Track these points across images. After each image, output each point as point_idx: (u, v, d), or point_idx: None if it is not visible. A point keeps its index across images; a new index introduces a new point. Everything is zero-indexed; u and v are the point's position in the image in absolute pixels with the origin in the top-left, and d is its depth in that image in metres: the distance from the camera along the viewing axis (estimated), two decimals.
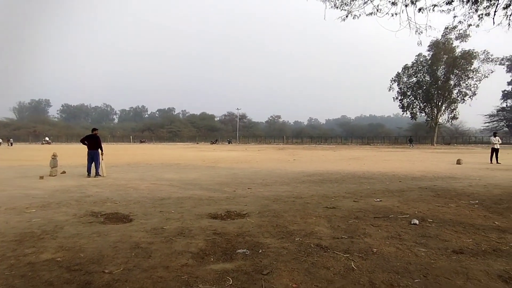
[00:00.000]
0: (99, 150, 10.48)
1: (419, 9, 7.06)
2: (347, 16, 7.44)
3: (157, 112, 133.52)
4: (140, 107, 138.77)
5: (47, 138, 59.15)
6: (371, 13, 7.32)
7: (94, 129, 10.91)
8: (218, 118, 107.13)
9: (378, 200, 6.18)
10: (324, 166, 14.36)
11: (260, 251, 3.29)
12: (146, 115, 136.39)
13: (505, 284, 2.56)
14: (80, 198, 6.39)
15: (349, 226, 4.30)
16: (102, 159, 10.54)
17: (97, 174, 10.18)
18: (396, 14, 7.16)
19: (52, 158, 10.43)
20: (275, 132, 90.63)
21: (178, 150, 34.85)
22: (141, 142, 72.40)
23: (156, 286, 2.52)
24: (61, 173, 10.73)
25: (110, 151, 27.79)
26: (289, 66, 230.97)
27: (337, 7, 7.35)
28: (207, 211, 5.24)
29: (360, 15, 7.41)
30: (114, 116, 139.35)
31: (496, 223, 4.49)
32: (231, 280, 2.62)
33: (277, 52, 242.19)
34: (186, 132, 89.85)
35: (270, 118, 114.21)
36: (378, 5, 7.19)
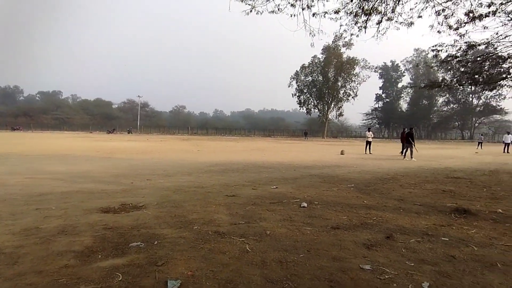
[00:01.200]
0: None
1: (313, 14, 7.79)
2: (251, 11, 7.66)
3: (37, 95, 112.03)
4: (11, 87, 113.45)
5: None
6: (273, 11, 7.72)
7: None
8: (116, 106, 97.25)
9: (274, 187, 6.67)
10: (227, 156, 14.68)
11: (155, 243, 3.15)
12: (22, 98, 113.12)
13: (367, 249, 3.12)
14: None
15: (246, 212, 4.51)
16: None
17: None
18: (294, 15, 7.74)
19: None
20: (180, 123, 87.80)
21: (67, 139, 30.36)
22: (14, 129, 60.15)
23: None
24: None
25: None
26: (195, 57, 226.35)
27: (242, 1, 7.49)
28: (98, 205, 4.71)
29: (263, 11, 7.74)
30: None
31: (365, 201, 5.41)
32: (121, 276, 2.43)
33: (182, 42, 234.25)
34: (77, 119, 78.94)
35: (175, 108, 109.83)
36: (279, 5, 7.63)
